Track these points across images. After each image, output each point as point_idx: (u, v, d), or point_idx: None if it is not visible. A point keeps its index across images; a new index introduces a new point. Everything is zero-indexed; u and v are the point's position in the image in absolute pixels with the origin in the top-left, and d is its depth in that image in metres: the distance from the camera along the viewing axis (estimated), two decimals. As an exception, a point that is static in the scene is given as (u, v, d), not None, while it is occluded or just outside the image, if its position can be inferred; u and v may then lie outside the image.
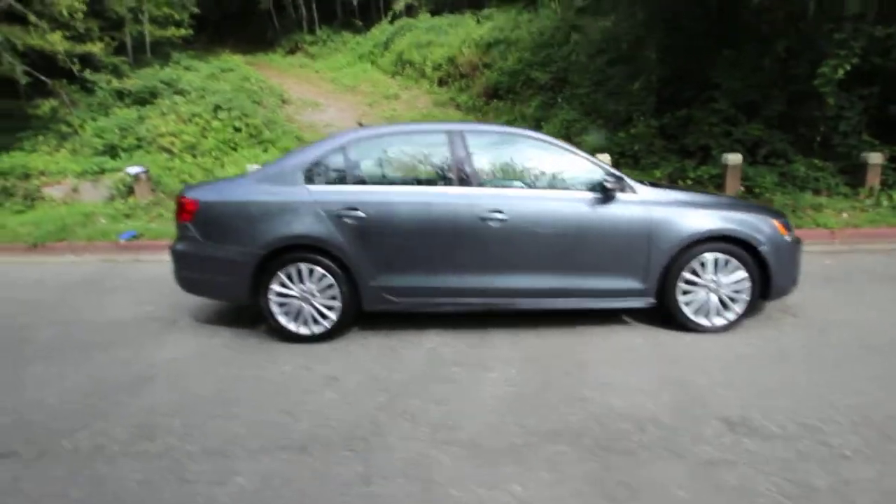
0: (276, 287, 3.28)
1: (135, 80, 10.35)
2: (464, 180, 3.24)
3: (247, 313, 3.82)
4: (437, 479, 1.99)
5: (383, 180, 3.34)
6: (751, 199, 6.10)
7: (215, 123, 9.94)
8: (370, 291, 3.27)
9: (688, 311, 3.27)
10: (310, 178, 3.29)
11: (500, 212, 3.16)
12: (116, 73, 10.35)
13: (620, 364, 2.93)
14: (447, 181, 3.27)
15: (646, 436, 2.22)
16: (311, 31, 19.19)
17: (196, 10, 13.44)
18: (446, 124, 3.45)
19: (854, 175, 6.32)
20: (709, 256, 3.21)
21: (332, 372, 2.94)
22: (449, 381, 2.78)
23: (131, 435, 2.35)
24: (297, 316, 3.32)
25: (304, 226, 3.19)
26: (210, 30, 17.08)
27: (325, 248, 3.20)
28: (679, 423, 2.32)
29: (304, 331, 3.33)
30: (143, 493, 1.96)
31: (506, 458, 2.10)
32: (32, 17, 8.80)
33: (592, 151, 5.17)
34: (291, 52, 19.23)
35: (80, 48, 9.67)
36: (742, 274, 3.22)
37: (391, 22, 17.40)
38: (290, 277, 3.27)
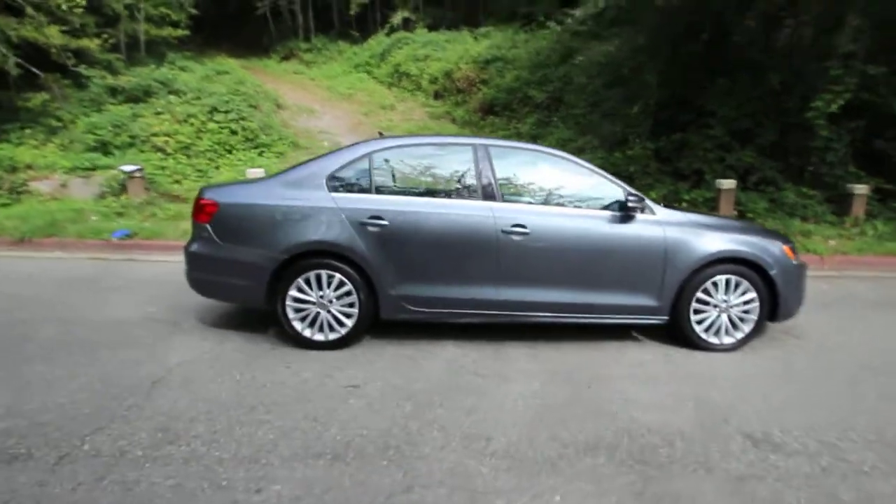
0: (293, 292, 3.25)
1: (129, 78, 10.18)
2: (487, 194, 3.29)
3: (254, 318, 3.78)
4: (479, 488, 2.00)
5: (407, 191, 3.37)
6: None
7: (211, 125, 9.85)
8: (389, 300, 3.27)
9: (699, 329, 3.37)
10: (334, 186, 3.30)
11: (522, 226, 3.21)
12: (111, 69, 10.17)
13: (638, 379, 2.99)
14: (471, 194, 3.31)
15: (675, 450, 2.27)
16: (307, 38, 19.20)
17: (194, 10, 13.34)
18: (472, 138, 3.51)
19: (840, 204, 6.61)
20: (721, 277, 3.32)
21: (352, 380, 2.92)
22: (473, 392, 2.79)
23: (154, 439, 2.30)
24: (312, 322, 3.29)
25: (327, 232, 3.18)
26: (206, 32, 16.93)
27: (347, 255, 3.20)
28: (705, 438, 2.38)
29: (319, 337, 3.30)
30: (178, 499, 1.92)
31: (544, 470, 2.12)
32: (30, 10, 8.61)
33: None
34: (286, 58, 19.20)
35: (76, 43, 9.49)
36: (752, 295, 3.33)
37: (388, 34, 17.56)
38: (308, 283, 3.25)
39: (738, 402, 2.73)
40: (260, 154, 9.95)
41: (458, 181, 3.36)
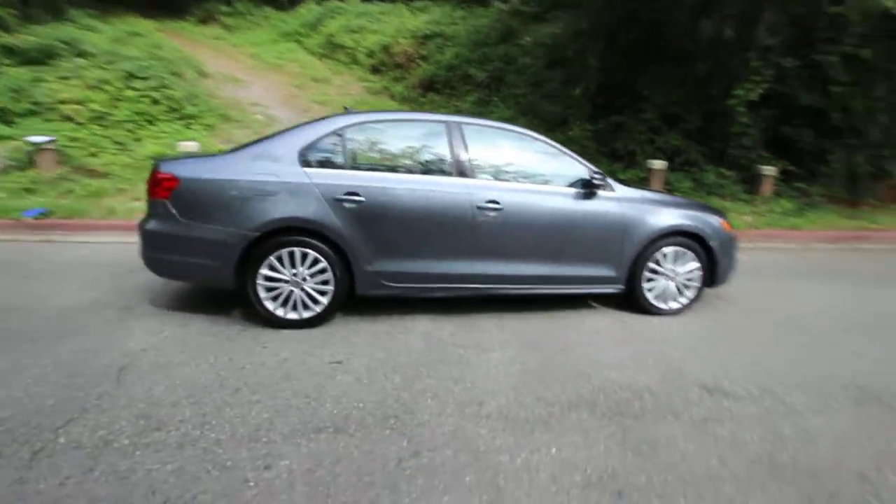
0: (265, 271, 3.16)
1: (26, 37, 8.98)
2: (461, 171, 3.36)
3: (213, 299, 3.64)
4: (481, 448, 2.12)
5: (382, 167, 3.35)
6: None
7: (128, 93, 8.98)
8: (365, 276, 3.28)
9: (650, 296, 3.70)
10: (306, 161, 3.21)
11: (496, 203, 3.33)
12: (3, 26, 8.90)
13: (602, 343, 3.26)
14: (445, 171, 3.36)
15: (645, 403, 2.54)
16: (228, 1, 17.84)
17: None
18: (444, 116, 3.53)
19: (752, 184, 7.39)
20: (669, 249, 3.65)
21: (334, 356, 2.92)
22: (456, 363, 2.91)
23: (137, 426, 2.19)
24: (285, 301, 3.23)
25: (302, 208, 3.11)
26: (110, -13, 15.21)
27: (323, 231, 3.15)
28: (667, 390, 2.66)
29: (292, 316, 3.24)
30: (184, 482, 1.86)
31: (536, 427, 2.29)
32: None
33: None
34: (204, 21, 17.74)
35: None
36: (695, 264, 3.71)
37: (318, 2, 16.75)
38: (280, 261, 3.17)
39: (689, 358, 3.07)
40: (187, 126, 9.24)
41: (433, 158, 3.39)
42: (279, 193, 3.11)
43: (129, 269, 4.43)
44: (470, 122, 3.53)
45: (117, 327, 3.21)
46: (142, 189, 7.03)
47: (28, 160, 6.79)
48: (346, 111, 3.76)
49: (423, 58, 13.23)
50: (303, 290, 3.22)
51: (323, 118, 3.49)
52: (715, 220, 3.77)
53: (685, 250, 3.67)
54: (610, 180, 3.57)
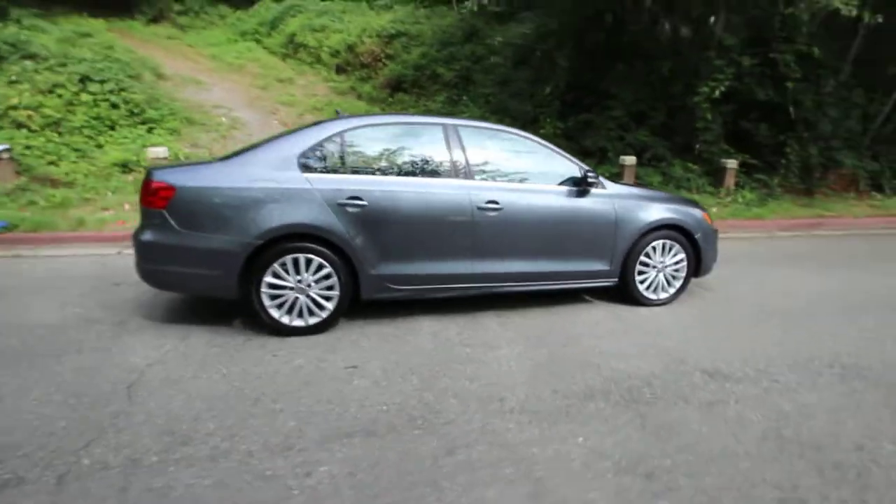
0: (269, 279, 3.13)
1: (-34, 37, 8.40)
2: (461, 172, 3.42)
3: (209, 310, 3.56)
4: (512, 441, 2.20)
5: (383, 170, 3.36)
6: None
7: (84, 97, 8.58)
8: (370, 280, 3.29)
9: (641, 288, 3.88)
10: (305, 166, 3.19)
11: (495, 202, 3.41)
12: (-60, 25, 8.29)
13: (602, 335, 3.39)
14: (445, 173, 3.41)
15: (655, 389, 2.67)
16: (181, -1, 17.20)
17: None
18: (439, 118, 3.58)
19: (716, 177, 7.79)
20: (658, 242, 3.84)
21: (347, 361, 2.93)
22: (467, 361, 2.97)
23: (163, 443, 2.14)
24: (290, 309, 3.20)
25: (305, 214, 3.09)
26: (51, -16, 14.36)
27: (327, 237, 3.14)
28: (672, 377, 2.82)
29: (298, 323, 3.22)
30: (227, 495, 1.85)
31: (559, 419, 2.38)
32: None
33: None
34: (155, 21, 17.01)
35: None
36: (682, 256, 3.91)
37: (277, 0, 16.39)
38: (284, 268, 3.14)
39: (685, 345, 3.25)
40: (149, 131, 8.89)
41: (432, 160, 3.43)
42: (281, 200, 3.08)
43: (112, 282, 4.27)
44: (465, 124, 3.59)
45: (114, 343, 3.10)
46: (110, 199, 6.81)
47: (-20, 170, 6.37)
48: (339, 115, 3.76)
49: (390, 57, 13.19)
50: (308, 296, 3.20)
51: (318, 123, 3.47)
52: (698, 213, 3.98)
53: (673, 243, 3.86)
54: (601, 178, 3.72)
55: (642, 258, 3.82)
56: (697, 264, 3.98)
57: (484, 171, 3.52)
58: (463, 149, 3.46)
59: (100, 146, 8.11)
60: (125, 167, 7.59)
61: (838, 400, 2.62)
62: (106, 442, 2.14)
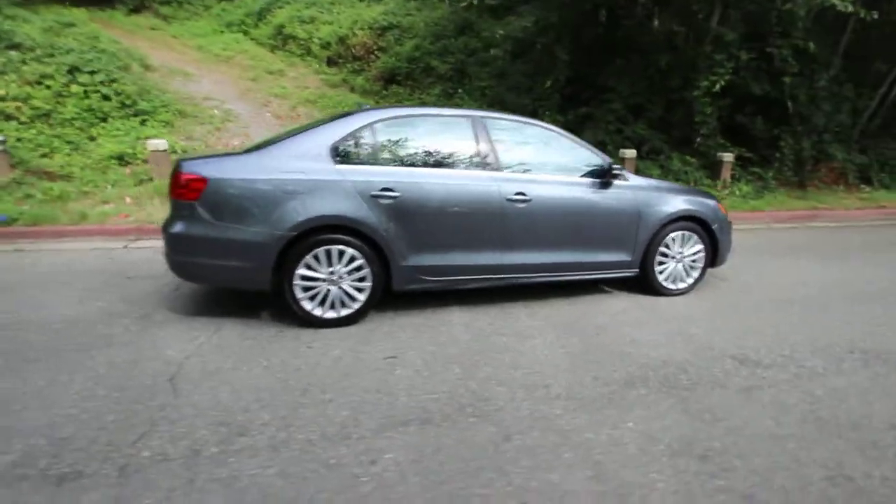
0: (301, 271, 3.11)
1: (-52, 26, 8.08)
2: (489, 164, 3.44)
3: (236, 301, 3.54)
4: (564, 427, 2.24)
5: (414, 162, 3.36)
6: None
7: (74, 88, 8.34)
8: (402, 272, 3.29)
9: (661, 278, 3.96)
10: (337, 157, 3.17)
11: (523, 194, 3.44)
12: (-80, 12, 7.95)
13: (629, 324, 3.46)
14: (474, 165, 3.43)
15: (691, 375, 2.75)
16: (165, -12, 16.74)
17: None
18: (466, 110, 3.59)
19: (712, 170, 7.95)
20: (677, 233, 3.92)
21: (385, 352, 2.94)
22: (504, 350, 3.00)
23: (220, 434, 2.13)
24: (323, 301, 3.19)
25: (339, 206, 3.08)
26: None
27: (360, 228, 3.13)
28: (705, 364, 2.89)
29: (330, 315, 3.22)
30: (293, 484, 1.85)
31: (605, 405, 2.43)
32: None
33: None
34: (136, 10, 16.55)
35: None
36: (700, 246, 4.00)
37: (264, -10, 16.07)
38: (317, 259, 3.13)
39: (711, 333, 3.34)
40: (142, 123, 8.69)
41: (461, 152, 3.44)
42: (314, 191, 3.06)
43: (126, 275, 4.20)
44: (492, 116, 3.61)
45: (143, 336, 3.05)
46: (110, 192, 6.63)
47: (-28, 163, 6.16)
48: (361, 108, 3.74)
49: (382, 49, 13.07)
50: (340, 288, 3.20)
51: (347, 114, 3.45)
52: (713, 204, 4.08)
53: (691, 233, 3.95)
54: (624, 170, 3.77)
55: (662, 249, 3.90)
56: (714, 254, 4.08)
57: (511, 163, 3.55)
58: (490, 141, 3.48)
59: (92, 138, 7.89)
60: (121, 160, 7.41)
61: (864, 383, 2.72)
62: (160, 434, 2.12)
